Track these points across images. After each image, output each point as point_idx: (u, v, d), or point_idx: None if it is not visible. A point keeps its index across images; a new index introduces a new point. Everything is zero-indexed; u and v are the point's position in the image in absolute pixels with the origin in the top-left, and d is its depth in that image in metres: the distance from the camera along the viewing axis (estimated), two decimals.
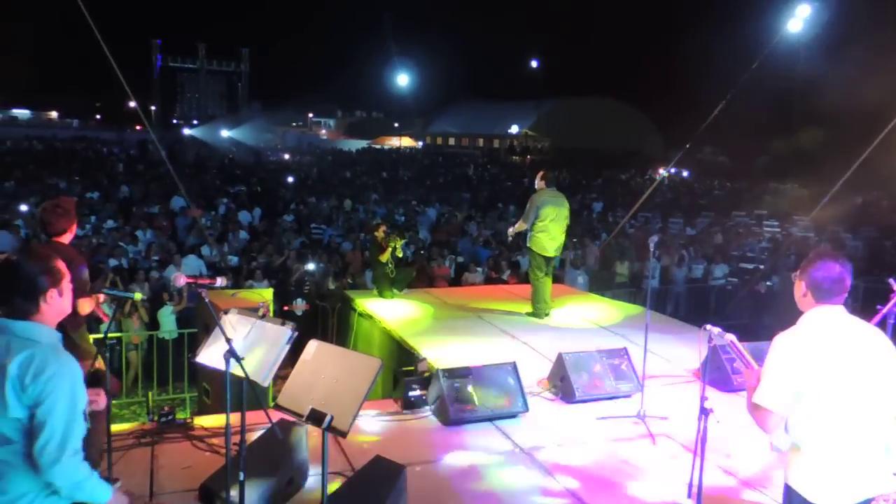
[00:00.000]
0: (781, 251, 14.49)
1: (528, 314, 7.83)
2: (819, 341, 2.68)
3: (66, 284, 2.43)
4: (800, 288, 2.81)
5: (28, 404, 2.19)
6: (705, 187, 36.60)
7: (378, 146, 67.66)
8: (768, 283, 12.18)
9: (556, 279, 9.61)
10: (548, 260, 7.64)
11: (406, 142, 71.27)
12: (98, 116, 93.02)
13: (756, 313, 11.24)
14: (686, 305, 12.48)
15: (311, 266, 10.83)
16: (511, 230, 8.10)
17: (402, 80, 55.52)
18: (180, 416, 4.80)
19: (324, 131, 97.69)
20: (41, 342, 2.28)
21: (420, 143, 74.90)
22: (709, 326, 3.52)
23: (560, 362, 5.56)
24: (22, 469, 2.25)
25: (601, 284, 11.71)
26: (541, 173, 7.88)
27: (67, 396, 2.22)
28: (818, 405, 2.64)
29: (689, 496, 3.81)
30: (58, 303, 2.38)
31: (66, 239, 4.15)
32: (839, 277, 2.72)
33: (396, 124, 74.41)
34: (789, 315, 2.89)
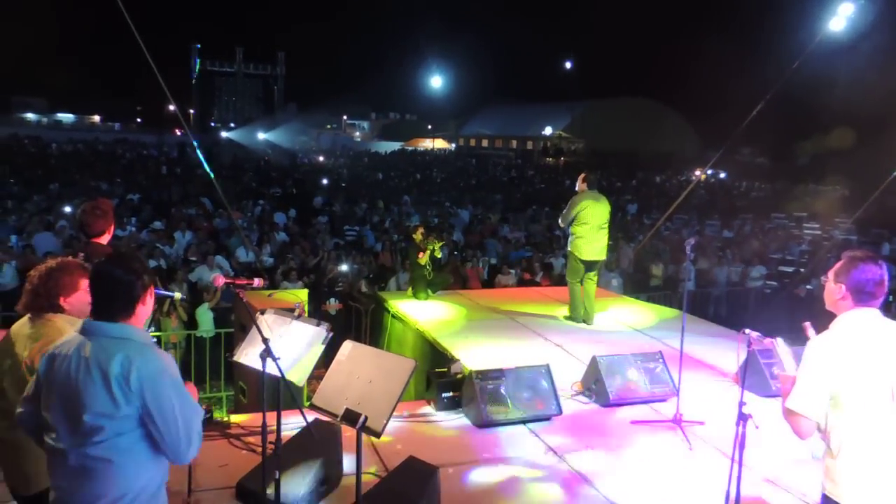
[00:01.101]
0: (822, 254, 14.17)
1: (566, 317, 7.77)
2: (855, 344, 2.63)
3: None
4: (837, 291, 2.74)
5: (136, 401, 2.28)
6: (743, 189, 36.02)
7: (411, 148, 67.91)
8: (808, 286, 11.92)
9: None
10: (588, 264, 7.52)
11: (439, 144, 71.44)
12: (139, 120, 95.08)
13: (795, 317, 10.99)
14: (724, 308, 12.29)
15: (344, 267, 10.93)
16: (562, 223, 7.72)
17: (436, 82, 55.66)
18: (217, 414, 4.88)
19: (357, 133, 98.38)
20: (136, 340, 2.38)
21: (453, 145, 74.99)
22: (748, 331, 3.46)
23: (594, 365, 5.51)
24: (123, 468, 2.32)
25: (636, 287, 11.60)
26: (582, 175, 7.76)
27: (173, 387, 2.34)
28: (855, 410, 2.58)
29: (727, 503, 3.74)
30: (150, 303, 2.51)
31: (105, 240, 4.25)
32: (881, 279, 2.67)
33: (430, 126, 74.59)
34: (829, 319, 2.83)
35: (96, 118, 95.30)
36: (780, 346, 2.96)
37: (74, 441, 2.31)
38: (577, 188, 7.67)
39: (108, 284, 2.43)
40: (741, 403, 3.35)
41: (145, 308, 2.48)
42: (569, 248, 7.61)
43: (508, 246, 14.85)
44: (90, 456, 2.29)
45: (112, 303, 2.41)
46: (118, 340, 2.35)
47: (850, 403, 2.58)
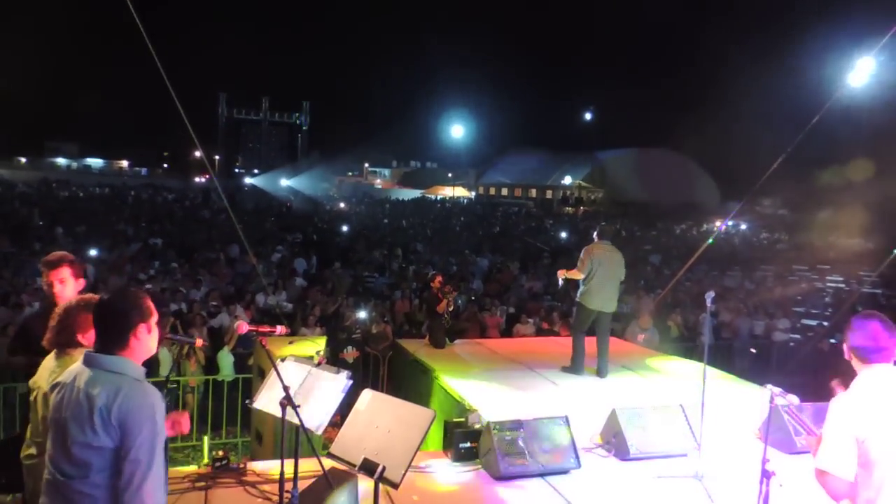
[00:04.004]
0: (845, 307, 13.97)
1: (564, 369, 7.45)
2: (878, 400, 2.63)
3: (154, 323, 2.58)
4: (846, 351, 2.86)
5: (114, 434, 2.33)
6: (765, 241, 35.81)
7: (431, 196, 68.51)
8: (832, 340, 11.73)
9: (616, 333, 9.44)
10: (597, 315, 7.46)
11: (459, 192, 72.02)
12: (165, 165, 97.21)
13: (820, 371, 10.80)
14: (747, 362, 12.09)
15: (362, 314, 10.95)
16: (561, 273, 7.71)
17: (457, 131, 56.55)
18: (233, 460, 4.86)
19: (378, 181, 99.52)
20: (127, 375, 2.43)
21: (473, 193, 75.58)
22: (769, 386, 3.43)
23: (614, 418, 5.45)
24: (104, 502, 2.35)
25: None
26: (598, 227, 7.81)
27: (150, 428, 2.36)
28: (883, 467, 2.55)
29: None
30: (146, 339, 2.54)
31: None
32: (879, 337, 2.73)
33: (450, 174, 75.35)
34: (854, 374, 2.83)
35: (124, 163, 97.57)
36: (794, 408, 2.96)
37: (63, 471, 2.37)
38: (594, 239, 7.66)
39: (104, 316, 2.52)
40: (764, 460, 3.29)
41: (140, 344, 2.52)
42: (578, 299, 7.53)
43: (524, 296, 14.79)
44: (75, 489, 2.36)
45: (107, 334, 2.49)
46: (111, 374, 2.41)
47: (877, 460, 2.56)
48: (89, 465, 2.33)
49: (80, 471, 2.35)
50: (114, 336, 2.48)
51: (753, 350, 10.20)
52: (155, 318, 2.58)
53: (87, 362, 2.47)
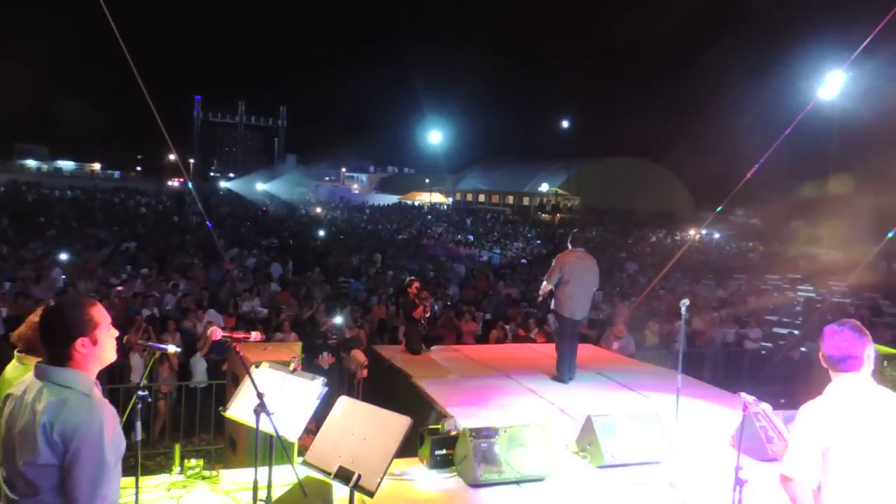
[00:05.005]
0: (816, 316, 14.20)
1: (554, 378, 7.59)
2: (845, 410, 2.67)
3: (103, 333, 2.44)
4: (821, 360, 2.87)
5: (58, 451, 2.21)
6: (738, 250, 36.29)
7: (409, 202, 68.49)
8: (802, 348, 11.91)
9: (591, 340, 9.50)
10: (574, 323, 7.50)
11: (436, 197, 72.06)
12: (139, 168, 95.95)
13: (790, 379, 10.97)
14: (720, 369, 12.22)
15: (338, 319, 10.88)
16: (542, 290, 7.79)
17: (434, 137, 56.57)
18: (206, 469, 4.79)
19: (356, 186, 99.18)
20: (74, 388, 2.30)
21: (450, 199, 75.65)
22: (743, 394, 3.47)
23: (589, 425, 5.46)
24: None
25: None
26: (571, 234, 7.86)
27: (96, 445, 2.23)
28: (847, 477, 2.59)
29: None
30: (94, 351, 2.40)
31: None
32: (848, 347, 2.75)
33: (427, 180, 75.36)
34: (824, 382, 2.87)
35: (96, 166, 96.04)
36: (769, 413, 2.98)
37: (15, 488, 2.27)
38: (568, 245, 7.71)
39: (44, 328, 2.40)
40: (737, 468, 3.32)
41: (90, 354, 2.39)
42: (553, 307, 7.57)
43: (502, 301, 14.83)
44: None
45: (51, 346, 2.38)
46: (59, 388, 2.29)
47: (839, 469, 2.59)
48: (38, 485, 2.23)
49: (29, 489, 2.24)
50: (57, 348, 2.36)
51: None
52: (102, 328, 2.43)
53: (38, 374, 2.36)
